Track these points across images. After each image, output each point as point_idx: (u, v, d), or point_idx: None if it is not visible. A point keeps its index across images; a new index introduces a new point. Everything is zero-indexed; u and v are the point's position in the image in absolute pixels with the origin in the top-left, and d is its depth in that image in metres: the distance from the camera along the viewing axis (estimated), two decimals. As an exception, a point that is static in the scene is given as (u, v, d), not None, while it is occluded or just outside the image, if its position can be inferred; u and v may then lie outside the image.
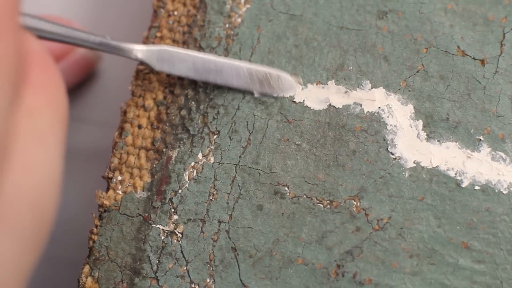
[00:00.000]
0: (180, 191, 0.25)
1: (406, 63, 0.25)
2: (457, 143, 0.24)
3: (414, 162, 0.24)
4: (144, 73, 0.26)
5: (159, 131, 0.25)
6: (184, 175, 0.25)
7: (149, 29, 0.27)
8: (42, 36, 0.23)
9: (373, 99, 0.25)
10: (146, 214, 0.25)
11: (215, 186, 0.25)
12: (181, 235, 0.24)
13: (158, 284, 0.24)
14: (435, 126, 0.24)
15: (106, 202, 0.25)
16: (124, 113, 0.26)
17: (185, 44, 0.26)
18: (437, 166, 0.24)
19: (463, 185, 0.24)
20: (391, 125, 0.25)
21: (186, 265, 0.24)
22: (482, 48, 0.25)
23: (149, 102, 0.26)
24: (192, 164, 0.25)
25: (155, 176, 0.25)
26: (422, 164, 0.24)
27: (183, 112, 0.25)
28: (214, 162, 0.25)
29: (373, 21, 0.26)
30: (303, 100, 0.25)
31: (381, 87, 0.25)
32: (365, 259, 0.23)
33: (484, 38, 0.25)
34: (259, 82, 0.25)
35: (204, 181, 0.25)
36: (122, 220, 0.25)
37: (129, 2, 0.34)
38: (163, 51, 0.25)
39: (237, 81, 0.25)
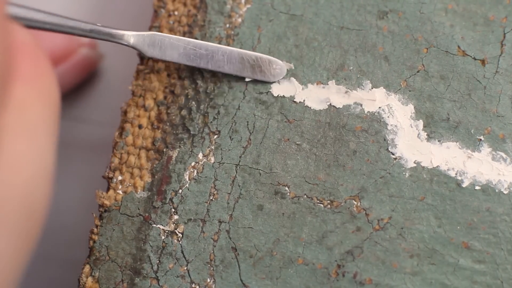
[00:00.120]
0: (180, 191, 0.25)
1: (406, 63, 0.25)
2: (458, 143, 0.24)
3: (414, 162, 0.24)
4: (144, 73, 0.26)
5: (160, 131, 0.25)
6: (185, 175, 0.25)
7: (150, 29, 0.27)
8: (33, 25, 0.22)
9: (374, 99, 0.25)
10: (147, 214, 0.25)
11: (215, 186, 0.25)
12: (181, 235, 0.24)
13: (159, 284, 0.24)
14: (435, 126, 0.24)
15: (107, 202, 0.25)
16: (125, 113, 0.26)
17: (185, 44, 0.26)
18: (437, 166, 0.24)
19: (464, 185, 0.24)
20: (391, 125, 0.25)
21: (187, 265, 0.24)
22: (483, 48, 0.25)
23: (150, 102, 0.26)
24: (193, 164, 0.25)
25: (156, 176, 0.25)
26: (422, 164, 0.24)
27: (184, 112, 0.25)
28: (214, 162, 0.25)
29: (373, 21, 0.26)
30: (304, 100, 0.25)
31: (382, 87, 0.25)
32: (365, 259, 0.23)
33: (484, 38, 0.25)
34: (251, 67, 0.25)
35: (204, 181, 0.25)
36: (122, 220, 0.25)
37: (130, 2, 0.34)
38: (154, 36, 0.25)
39: (228, 66, 0.25)
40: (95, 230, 0.25)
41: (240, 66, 0.25)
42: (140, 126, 0.26)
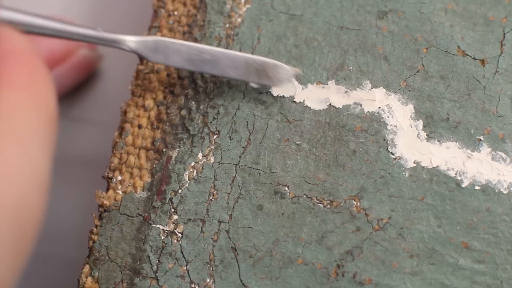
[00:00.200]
0: (180, 191, 0.25)
1: (406, 63, 0.25)
2: (457, 143, 0.24)
3: (414, 162, 0.24)
4: (144, 73, 0.26)
5: (159, 131, 0.25)
6: (184, 175, 0.25)
7: (149, 29, 0.27)
8: (31, 31, 0.21)
9: (373, 99, 0.25)
10: (146, 214, 0.24)
11: (215, 186, 0.25)
12: (181, 235, 0.24)
13: (158, 284, 0.24)
14: (435, 126, 0.24)
15: (106, 202, 0.25)
16: (124, 113, 0.26)
17: (185, 44, 0.26)
18: (437, 166, 0.24)
19: (463, 185, 0.24)
20: (391, 125, 0.25)
21: (186, 265, 0.24)
22: (482, 48, 0.25)
23: (149, 102, 0.26)
24: (192, 164, 0.25)
25: (155, 176, 0.25)
26: (422, 164, 0.24)
27: (183, 112, 0.25)
28: (214, 162, 0.25)
29: (373, 21, 0.26)
30: (303, 100, 0.25)
31: (381, 87, 0.25)
32: (365, 259, 0.23)
33: (484, 38, 0.25)
34: (256, 72, 0.24)
35: (204, 181, 0.25)
36: (122, 220, 0.25)
37: (130, 2, 0.34)
38: (158, 42, 0.24)
39: (233, 71, 0.24)
40: (95, 230, 0.25)
41: (245, 71, 0.24)
42: (139, 126, 0.26)
